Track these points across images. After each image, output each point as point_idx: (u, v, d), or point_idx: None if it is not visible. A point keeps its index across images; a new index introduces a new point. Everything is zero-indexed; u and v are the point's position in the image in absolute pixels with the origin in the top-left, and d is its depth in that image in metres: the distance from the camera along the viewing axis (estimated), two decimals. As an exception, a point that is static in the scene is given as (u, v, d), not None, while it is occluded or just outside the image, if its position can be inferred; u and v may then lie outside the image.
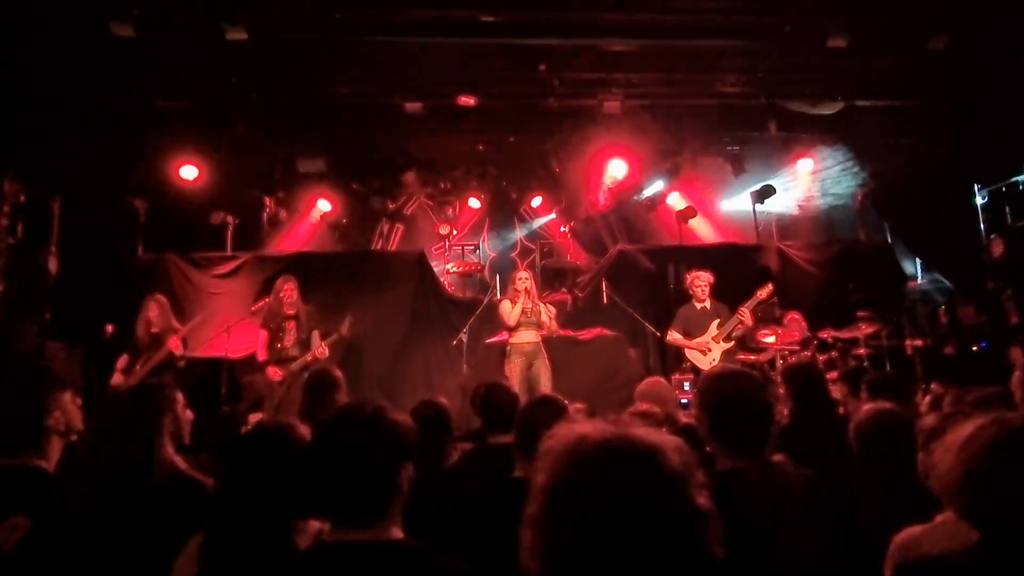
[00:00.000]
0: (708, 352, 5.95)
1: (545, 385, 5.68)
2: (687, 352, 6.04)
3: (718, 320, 6.03)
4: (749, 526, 1.01)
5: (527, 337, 5.84)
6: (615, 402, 5.62)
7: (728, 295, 6.22)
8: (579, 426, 1.02)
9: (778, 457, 1.87)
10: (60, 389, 2.05)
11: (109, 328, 6.38)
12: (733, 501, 1.00)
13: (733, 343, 6.02)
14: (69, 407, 2.05)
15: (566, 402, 2.32)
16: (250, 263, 7.46)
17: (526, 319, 5.82)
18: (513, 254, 9.52)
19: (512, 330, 5.84)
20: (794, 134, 7.75)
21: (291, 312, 5.60)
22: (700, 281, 6.09)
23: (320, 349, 5.48)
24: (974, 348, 7.38)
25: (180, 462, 2.18)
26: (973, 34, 6.01)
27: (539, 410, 2.12)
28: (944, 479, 1.42)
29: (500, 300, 6.11)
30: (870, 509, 2.14)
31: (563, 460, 0.97)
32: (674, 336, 6.07)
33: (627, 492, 0.91)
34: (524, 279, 5.91)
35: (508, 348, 5.88)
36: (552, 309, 6.07)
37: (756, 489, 1.67)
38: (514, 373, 5.73)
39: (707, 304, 6.08)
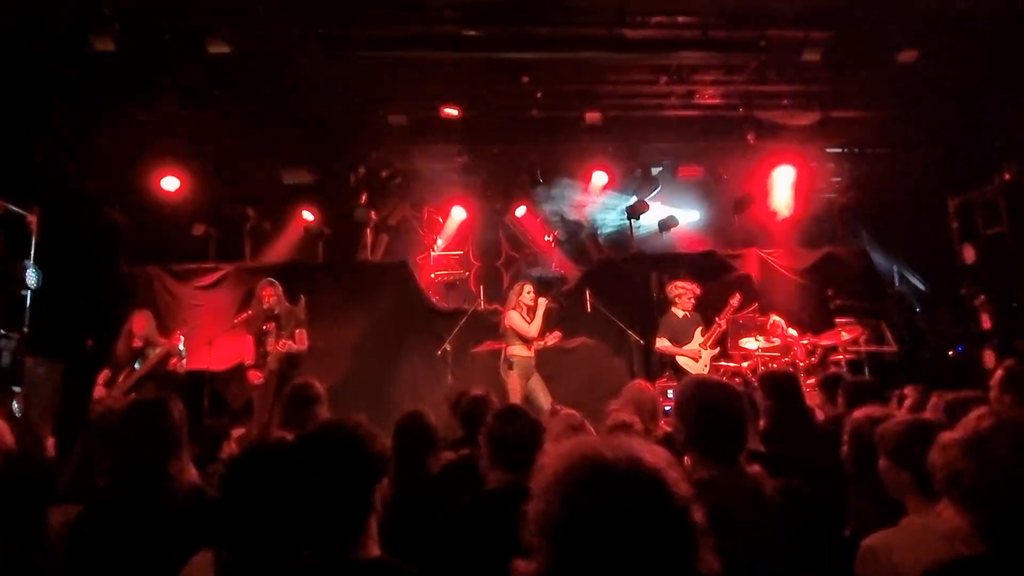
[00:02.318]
0: (699, 359, 6.07)
1: (544, 399, 5.75)
2: (679, 359, 6.12)
3: (700, 328, 6.16)
4: (723, 535, 1.05)
5: (529, 351, 5.91)
6: (600, 410, 5.66)
7: (710, 302, 6.37)
8: (582, 446, 1.01)
9: (754, 467, 1.91)
10: None
11: (89, 342, 6.32)
12: (708, 509, 1.04)
13: (718, 349, 6.18)
14: None
15: (535, 415, 2.28)
16: (233, 275, 7.42)
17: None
18: (498, 263, 9.56)
19: (526, 342, 5.85)
20: (772, 143, 7.89)
21: (271, 315, 5.58)
22: (686, 291, 6.21)
23: (293, 343, 5.45)
24: (951, 353, 7.54)
25: (196, 476, 2.15)
26: (941, 48, 6.20)
27: (511, 424, 2.10)
28: (958, 483, 1.37)
29: (505, 311, 6.09)
30: (859, 515, 2.15)
31: (576, 485, 0.96)
32: (664, 344, 6.16)
33: (640, 518, 0.93)
34: (530, 292, 5.96)
35: (512, 361, 5.87)
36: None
37: (731, 498, 1.71)
38: (517, 387, 5.77)
39: (689, 313, 6.21)
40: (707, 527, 0.99)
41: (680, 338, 6.16)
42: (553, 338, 6.06)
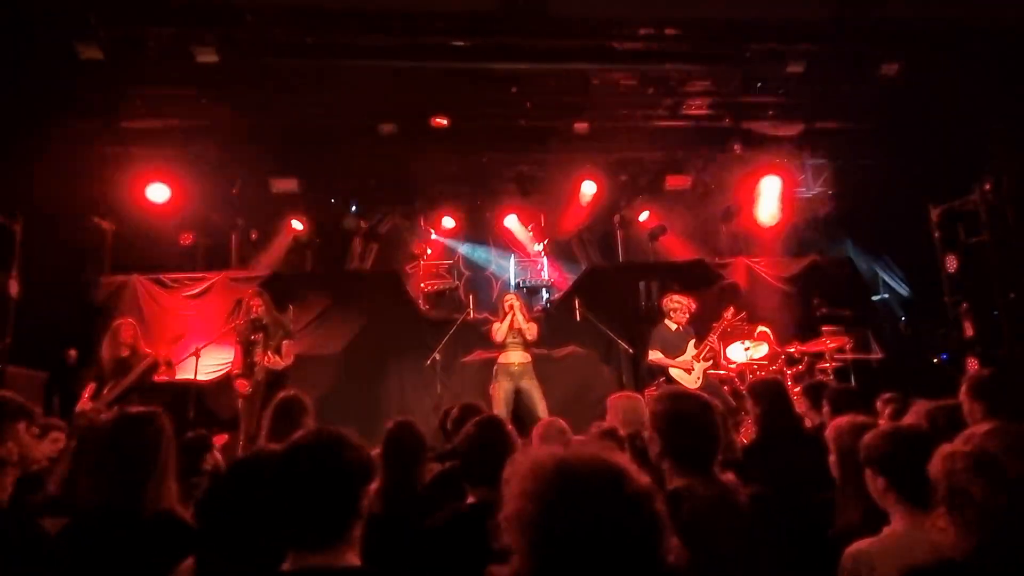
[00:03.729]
0: (692, 371, 6.09)
1: (542, 408, 5.78)
2: (672, 371, 6.14)
3: (693, 340, 6.20)
4: (696, 540, 1.08)
5: (514, 358, 5.99)
6: (588, 419, 5.66)
7: (700, 311, 6.41)
8: (548, 450, 1.05)
9: (728, 475, 1.94)
10: (13, 419, 1.97)
11: (72, 353, 6.24)
12: (682, 516, 1.07)
13: (711, 362, 6.23)
14: (23, 437, 1.98)
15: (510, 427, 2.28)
16: (220, 284, 7.37)
17: (513, 339, 5.95)
18: (487, 272, 9.56)
19: (500, 349, 5.97)
20: (758, 154, 7.99)
21: (259, 325, 5.55)
22: (681, 305, 6.25)
23: (282, 359, 5.44)
24: (935, 360, 7.63)
25: (175, 502, 2.05)
26: (923, 61, 6.32)
27: (483, 436, 2.11)
28: (963, 498, 1.43)
29: (491, 321, 6.29)
30: (844, 520, 2.17)
31: (544, 484, 1.00)
32: (657, 356, 6.17)
33: (606, 509, 0.97)
34: (509, 298, 6.17)
35: (495, 368, 6.01)
36: (534, 327, 6.17)
37: (704, 505, 1.74)
38: (498, 394, 5.84)
39: (682, 327, 6.26)
40: (669, 517, 1.03)
41: (672, 350, 6.18)
42: (530, 332, 6.07)
